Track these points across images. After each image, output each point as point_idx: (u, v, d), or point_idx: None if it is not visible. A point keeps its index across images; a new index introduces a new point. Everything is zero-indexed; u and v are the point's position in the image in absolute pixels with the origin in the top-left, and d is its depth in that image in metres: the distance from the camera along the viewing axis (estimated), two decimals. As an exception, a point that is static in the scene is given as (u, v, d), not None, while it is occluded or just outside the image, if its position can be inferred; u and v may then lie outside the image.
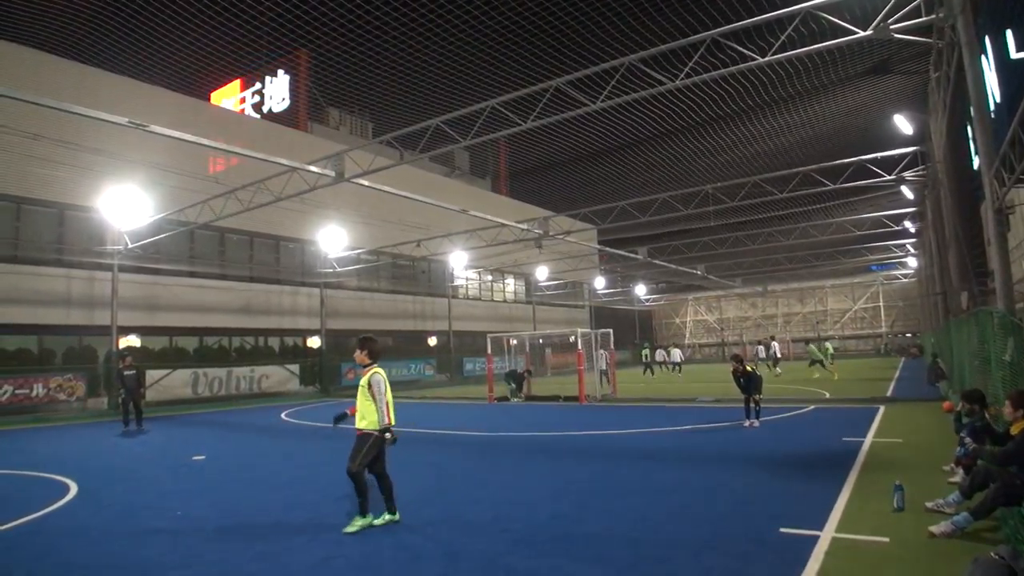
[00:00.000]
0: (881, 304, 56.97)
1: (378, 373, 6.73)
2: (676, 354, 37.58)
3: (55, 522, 7.21)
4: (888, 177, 20.35)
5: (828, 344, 32.50)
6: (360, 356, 6.90)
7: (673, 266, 39.53)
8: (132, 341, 24.70)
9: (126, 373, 16.59)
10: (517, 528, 6.31)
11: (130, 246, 22.75)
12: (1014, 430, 5.93)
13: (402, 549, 5.76)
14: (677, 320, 66.84)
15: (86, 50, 25.35)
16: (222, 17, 23.85)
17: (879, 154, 19.93)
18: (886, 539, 5.43)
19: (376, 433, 6.59)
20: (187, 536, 6.46)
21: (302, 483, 9.16)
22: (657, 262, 37.80)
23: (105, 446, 14.01)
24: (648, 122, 30.44)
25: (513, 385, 22.84)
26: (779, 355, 31.69)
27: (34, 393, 20.54)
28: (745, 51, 11.75)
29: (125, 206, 21.42)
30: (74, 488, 8.99)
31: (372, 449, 6.58)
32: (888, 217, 31.25)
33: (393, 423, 6.62)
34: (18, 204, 22.04)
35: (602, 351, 23.17)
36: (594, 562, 5.23)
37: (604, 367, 23.25)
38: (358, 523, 6.40)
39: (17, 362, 21.48)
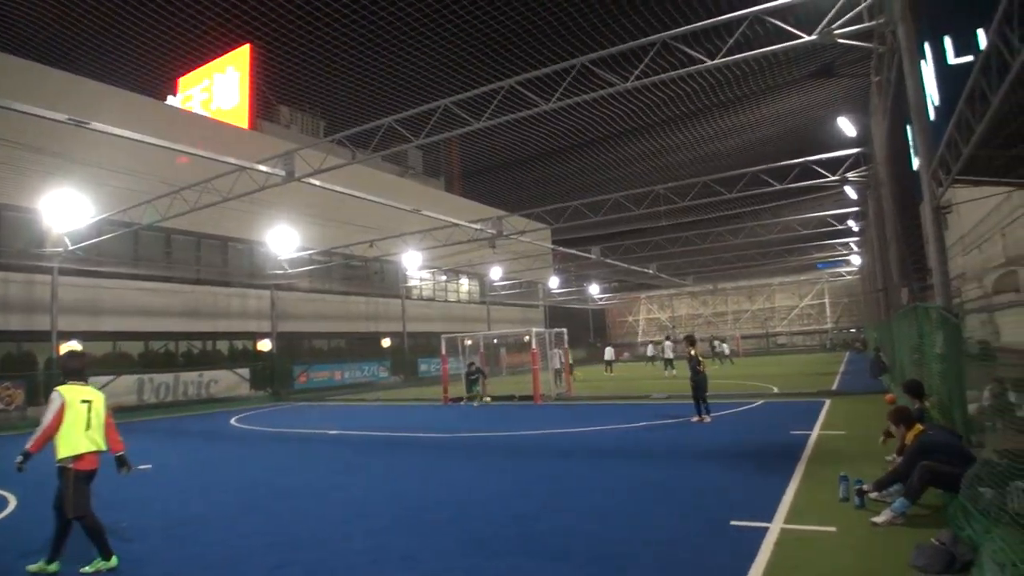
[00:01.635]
0: (827, 301, 58.63)
1: (56, 391, 5.71)
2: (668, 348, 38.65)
3: None
4: (832, 178, 20.94)
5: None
6: None
7: (626, 265, 39.99)
8: (74, 346, 23.85)
9: None
10: (476, 528, 6.31)
11: (71, 248, 21.97)
12: (908, 440, 6.31)
13: (362, 553, 5.71)
14: (630, 318, 67.70)
15: (25, 44, 24.42)
16: (168, 10, 23.25)
17: (824, 155, 20.51)
18: (833, 528, 5.60)
19: (69, 466, 5.61)
20: (134, 545, 6.29)
21: (254, 489, 8.99)
22: (610, 261, 38.20)
23: (47, 457, 13.47)
24: (600, 123, 30.73)
25: (478, 388, 21.89)
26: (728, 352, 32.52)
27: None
28: (695, 54, 11.97)
29: (66, 207, 20.64)
30: (13, 501, 8.67)
31: (76, 484, 5.58)
32: (833, 216, 32.21)
33: (34, 451, 5.69)
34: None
35: (556, 350, 23.33)
36: (554, 560, 5.27)
37: (559, 366, 23.40)
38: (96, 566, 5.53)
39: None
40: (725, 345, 41.25)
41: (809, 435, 10.64)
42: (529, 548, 5.63)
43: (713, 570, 4.91)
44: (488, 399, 21.40)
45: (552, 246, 40.90)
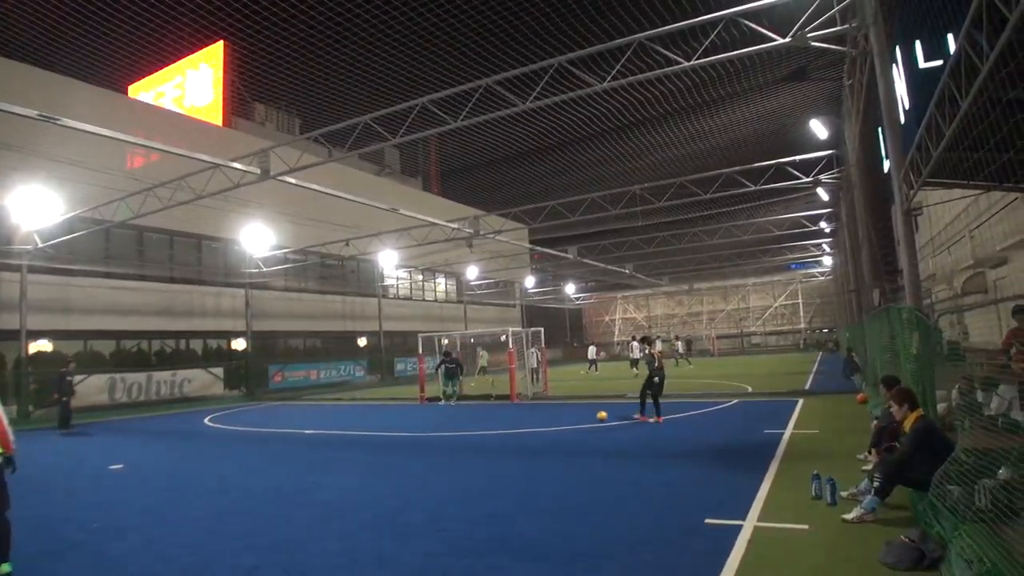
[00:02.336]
0: (800, 301, 59.39)
1: None
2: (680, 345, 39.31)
3: None
4: (805, 179, 21.22)
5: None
6: None
7: (602, 265, 40.19)
8: (43, 345, 23.45)
9: (68, 378, 17.14)
10: (453, 528, 6.30)
11: (40, 245, 21.56)
12: (907, 426, 6.32)
13: (338, 554, 5.67)
14: (607, 318, 68.02)
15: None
16: (141, 5, 22.93)
17: (797, 157, 20.77)
18: (805, 526, 5.68)
19: None
20: (107, 546, 6.19)
21: (229, 490, 8.89)
22: (587, 261, 38.37)
23: (16, 457, 13.22)
24: (578, 123, 30.86)
25: (451, 389, 21.27)
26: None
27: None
28: (671, 55, 12.06)
29: (35, 203, 20.24)
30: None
31: None
32: (806, 218, 32.63)
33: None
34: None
35: (533, 349, 23.35)
36: (531, 560, 5.28)
37: (536, 365, 23.43)
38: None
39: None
40: (680, 343, 41.49)
41: (782, 434, 10.78)
42: (505, 548, 5.64)
43: (688, 567, 4.95)
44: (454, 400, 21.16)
45: (529, 246, 41.02)
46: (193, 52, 32.02)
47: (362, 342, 38.60)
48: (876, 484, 5.89)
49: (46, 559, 5.94)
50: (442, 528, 6.33)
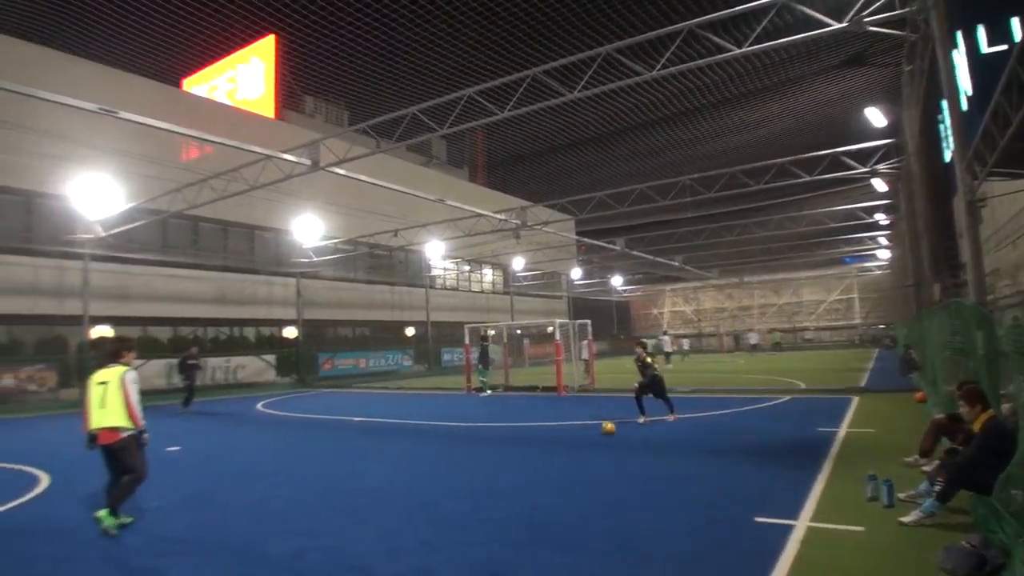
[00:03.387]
0: (855, 295, 57.76)
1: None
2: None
3: (27, 514, 7.10)
4: (862, 169, 20.54)
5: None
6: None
7: (650, 257, 39.69)
8: (105, 331, 24.29)
9: (190, 362, 18.28)
10: (494, 519, 6.29)
11: (102, 235, 22.29)
12: (976, 427, 6.03)
13: (380, 540, 5.71)
14: (655, 311, 67.27)
15: (53, 34, 24.78)
16: (194, 2, 23.46)
17: (853, 147, 20.11)
18: (861, 528, 5.48)
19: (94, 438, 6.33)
20: (161, 526, 6.36)
21: (277, 474, 9.06)
22: (634, 253, 37.93)
23: (78, 437, 13.73)
24: (626, 113, 30.49)
25: (483, 378, 21.85)
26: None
27: (3, 384, 20.17)
28: (721, 42, 11.77)
29: (96, 194, 20.91)
30: (47, 480, 8.83)
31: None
32: (862, 209, 31.63)
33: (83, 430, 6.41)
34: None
35: (584, 341, 23.30)
36: (572, 552, 5.22)
37: (586, 356, 23.35)
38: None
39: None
40: (666, 338, 36.34)
41: (836, 432, 10.47)
42: (546, 538, 5.59)
43: (736, 565, 4.83)
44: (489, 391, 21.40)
45: (576, 237, 40.77)
46: (245, 46, 32.62)
47: (409, 332, 38.98)
48: (938, 488, 5.65)
49: (101, 536, 6.12)
50: (484, 518, 6.32)
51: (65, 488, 8.40)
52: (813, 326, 58.48)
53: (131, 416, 6.15)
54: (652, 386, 12.93)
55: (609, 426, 11.38)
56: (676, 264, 42.82)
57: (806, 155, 20.89)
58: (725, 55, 12.05)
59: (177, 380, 24.10)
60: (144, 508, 7.16)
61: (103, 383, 6.25)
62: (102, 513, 5.97)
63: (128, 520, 6.19)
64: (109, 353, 6.48)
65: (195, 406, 18.53)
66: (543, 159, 38.51)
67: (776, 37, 12.02)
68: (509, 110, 14.30)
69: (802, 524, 5.63)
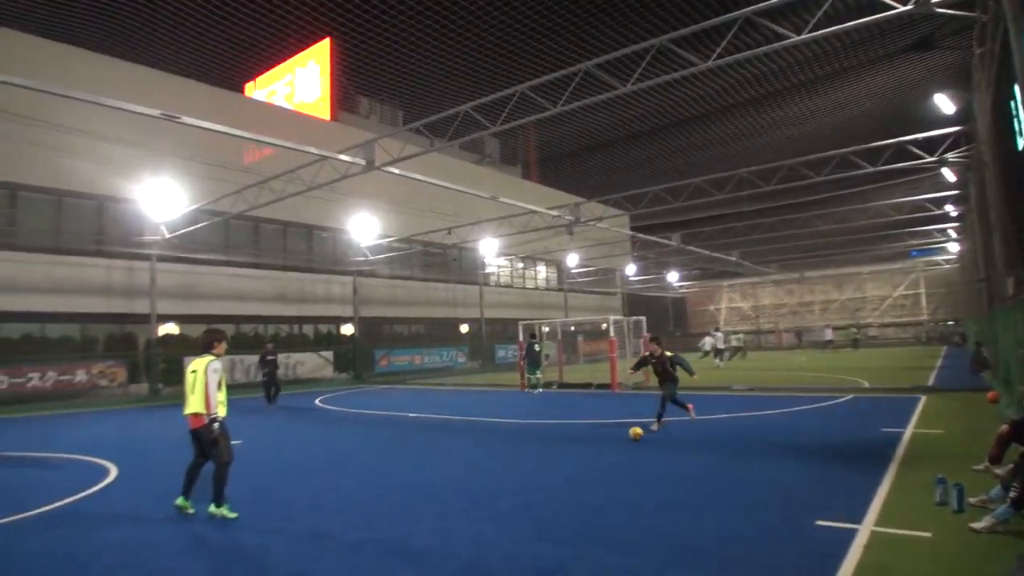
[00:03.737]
0: (922, 291, 55.59)
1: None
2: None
3: (92, 505, 7.37)
4: (929, 159, 19.72)
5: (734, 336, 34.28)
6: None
7: (707, 252, 39.00)
8: (171, 328, 25.18)
9: (268, 358, 18.80)
10: (544, 516, 6.25)
11: (167, 236, 23.10)
12: None
13: (428, 537, 5.74)
14: (711, 307, 66.10)
15: (119, 44, 25.75)
16: (250, 7, 24.04)
17: (920, 135, 19.31)
18: (928, 533, 5.25)
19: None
20: (220, 519, 6.54)
21: (335, 468, 9.22)
22: (690, 248, 37.33)
23: (146, 431, 14.31)
24: (680, 104, 30.00)
25: (531, 375, 21.86)
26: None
27: (76, 379, 21.09)
28: (780, 29, 11.42)
29: (162, 197, 21.68)
30: (114, 472, 9.18)
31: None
32: (929, 201, 30.36)
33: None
34: (59, 197, 22.59)
35: (642, 338, 23.19)
36: (622, 551, 5.15)
37: (645, 353, 23.13)
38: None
39: (60, 349, 22.06)
40: (718, 335, 33.80)
41: (902, 433, 10.08)
42: (598, 537, 5.54)
43: (795, 570, 4.68)
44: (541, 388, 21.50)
45: (630, 232, 40.32)
46: (302, 51, 33.31)
47: (464, 328, 39.24)
48: (1013, 494, 5.35)
49: (162, 527, 6.32)
50: (535, 515, 6.29)
51: (131, 479, 8.73)
52: (877, 322, 56.52)
53: (206, 402, 6.40)
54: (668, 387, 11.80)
55: (637, 430, 10.72)
56: (733, 259, 41.98)
57: (869, 145, 20.11)
58: (784, 43, 11.68)
59: (240, 376, 24.96)
60: (204, 500, 7.37)
61: (194, 372, 6.61)
62: (212, 508, 6.40)
63: (233, 516, 6.42)
64: (202, 344, 6.80)
65: (256, 402, 19.00)
66: (596, 154, 38.21)
67: (837, 22, 11.57)
68: (561, 105, 14.21)
69: (866, 528, 5.42)
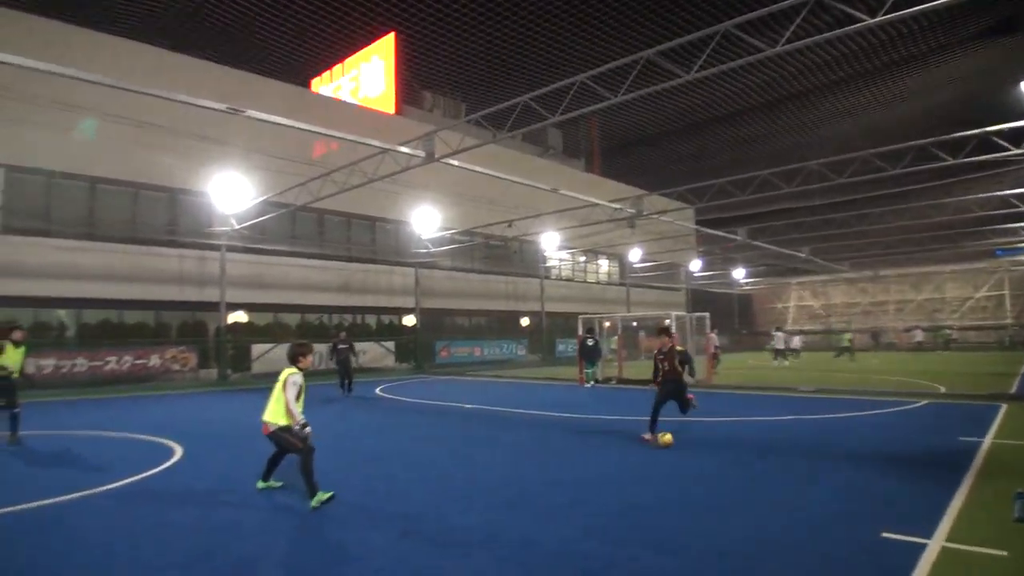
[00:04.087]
0: (1006, 292, 52.57)
1: None
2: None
3: (157, 484, 7.65)
4: (1016, 151, 18.55)
5: (846, 336, 32.70)
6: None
7: (774, 248, 37.87)
8: (240, 316, 25.96)
9: (340, 346, 19.04)
10: (595, 514, 6.11)
11: (237, 227, 23.80)
12: None
13: (477, 530, 5.67)
14: (779, 305, 64.16)
15: (192, 42, 26.62)
16: (316, 3, 24.48)
17: (1005, 125, 18.16)
18: (1004, 552, 4.87)
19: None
20: (281, 498, 6.67)
21: (389, 456, 9.27)
22: (757, 244, 36.31)
23: (213, 414, 14.75)
24: (747, 92, 29.16)
25: (588, 370, 21.54)
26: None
27: (151, 363, 21.98)
28: (852, 11, 10.85)
29: (231, 190, 22.35)
30: (179, 452, 9.48)
31: None
32: (1015, 196, 28.67)
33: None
34: (136, 190, 23.53)
35: (712, 334, 23.15)
36: (673, 554, 4.98)
37: (713, 351, 23.25)
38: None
39: (136, 335, 23.05)
40: (779, 335, 32.44)
41: (981, 443, 9.48)
42: (646, 538, 5.38)
43: (855, 584, 4.41)
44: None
45: (695, 227, 39.51)
46: (367, 46, 33.78)
47: (524, 322, 39.22)
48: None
49: (221, 508, 6.44)
50: (584, 513, 6.16)
51: (195, 460, 9.01)
52: (957, 324, 53.79)
53: (288, 413, 6.61)
54: (675, 390, 10.27)
55: (667, 438, 9.67)
56: (803, 256, 40.64)
57: (950, 136, 19.03)
58: (856, 26, 11.12)
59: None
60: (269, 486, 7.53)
61: (279, 381, 6.84)
62: (312, 501, 6.37)
63: (328, 495, 6.49)
64: (289, 356, 7.00)
65: (320, 390, 19.31)
66: (660, 145, 37.55)
67: (916, 3, 10.94)
68: (622, 95, 13.92)
69: (936, 543, 5.08)
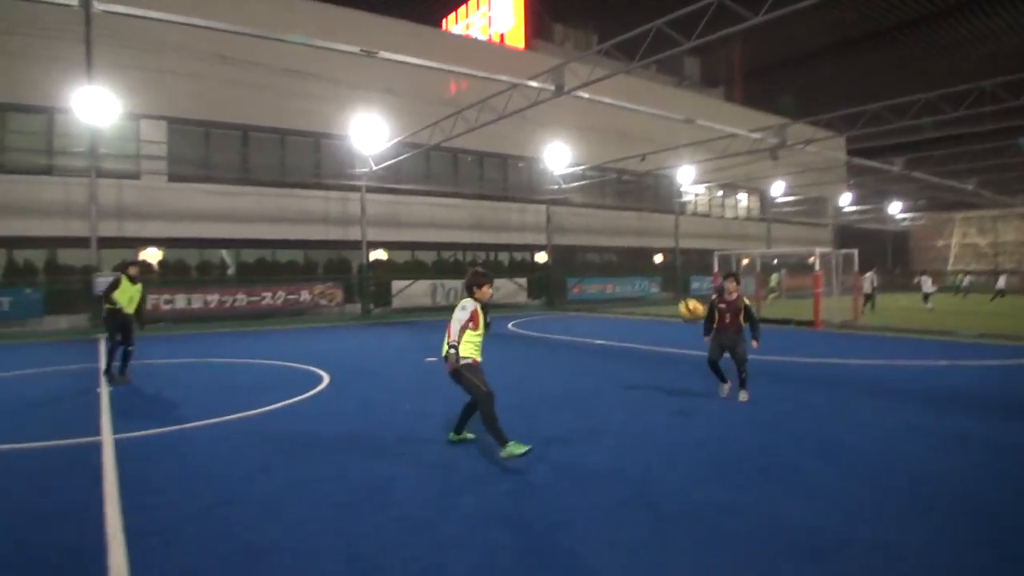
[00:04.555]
0: None
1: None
2: None
3: (309, 406, 8.37)
4: None
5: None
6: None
7: (936, 179, 34.58)
8: (380, 254, 27.23)
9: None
10: (721, 456, 5.99)
11: (374, 168, 24.74)
12: None
13: (606, 459, 5.74)
14: (940, 242, 58.77)
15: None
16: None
17: None
18: None
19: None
20: (416, 422, 7.07)
21: (517, 389, 9.38)
22: (916, 175, 33.29)
23: (356, 345, 15.75)
24: (905, 3, 26.24)
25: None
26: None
27: (301, 299, 23.62)
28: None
29: (368, 132, 23.17)
30: (327, 379, 10.25)
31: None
32: None
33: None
34: (282, 136, 24.95)
35: (870, 274, 23.19)
36: (807, 497, 4.80)
37: (870, 290, 22.28)
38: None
39: (287, 272, 24.89)
40: (926, 278, 28.31)
41: None
42: (780, 481, 5.21)
43: None
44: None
45: (845, 157, 36.75)
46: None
47: (657, 259, 38.49)
48: None
49: (364, 428, 6.92)
50: (709, 455, 6.06)
51: (341, 387, 9.73)
52: None
53: (448, 336, 5.86)
54: (732, 343, 8.61)
55: (692, 305, 8.71)
56: (969, 188, 36.91)
57: None
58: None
59: (441, 299, 26.54)
60: (398, 409, 8.00)
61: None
62: (502, 452, 5.80)
63: (523, 449, 5.78)
64: (465, 287, 6.10)
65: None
66: (807, 68, 34.90)
67: None
68: (764, 13, 12.95)
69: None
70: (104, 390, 9.36)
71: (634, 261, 37.03)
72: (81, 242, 20.04)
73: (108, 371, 10.06)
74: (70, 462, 5.94)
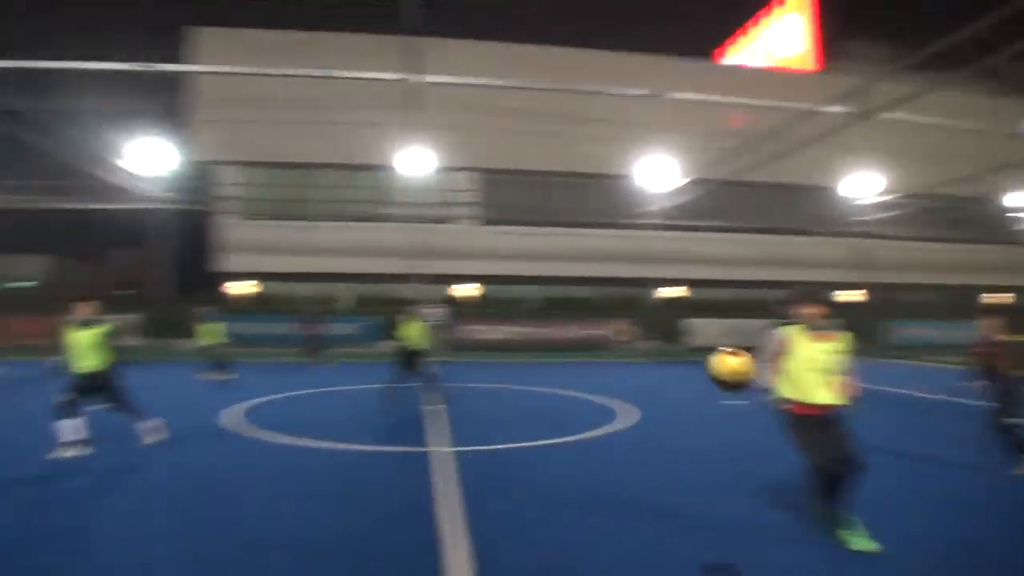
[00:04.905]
0: None
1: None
2: None
3: (617, 438, 8.44)
4: None
5: None
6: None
7: None
8: (673, 292, 27.50)
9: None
10: None
11: (663, 207, 25.17)
12: None
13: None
14: None
15: (612, 37, 28.79)
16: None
17: None
18: None
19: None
20: (713, 468, 7.03)
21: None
22: None
23: (657, 382, 15.87)
24: None
25: None
26: None
27: (597, 334, 24.80)
28: None
29: (655, 171, 23.19)
30: (637, 414, 10.26)
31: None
32: None
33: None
34: (578, 179, 27.13)
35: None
36: None
37: None
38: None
39: (581, 308, 26.47)
40: None
41: None
42: None
43: None
44: None
45: None
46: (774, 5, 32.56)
47: (990, 298, 32.78)
48: None
49: (661, 473, 7.15)
50: None
51: (654, 422, 9.71)
52: None
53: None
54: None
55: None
56: None
57: None
58: None
59: (736, 339, 25.48)
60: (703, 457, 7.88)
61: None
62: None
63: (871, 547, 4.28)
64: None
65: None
66: None
67: None
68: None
69: None
70: (429, 408, 10.42)
71: (960, 301, 31.55)
72: (402, 278, 23.92)
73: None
74: (405, 466, 6.87)
